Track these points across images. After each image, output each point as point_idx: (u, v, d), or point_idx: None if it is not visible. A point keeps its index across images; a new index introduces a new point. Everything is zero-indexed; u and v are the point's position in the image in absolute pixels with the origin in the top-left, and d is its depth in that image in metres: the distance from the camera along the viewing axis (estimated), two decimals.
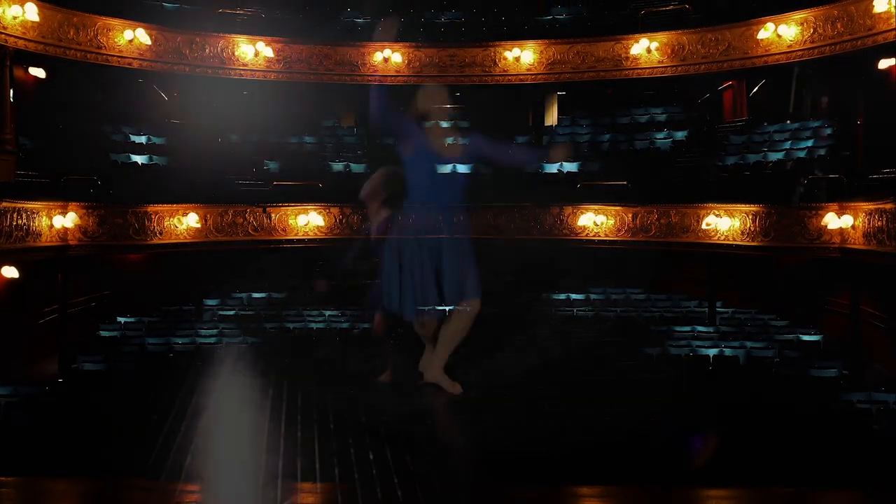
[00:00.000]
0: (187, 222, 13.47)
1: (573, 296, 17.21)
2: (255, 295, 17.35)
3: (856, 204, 11.39)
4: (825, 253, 12.00)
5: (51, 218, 11.80)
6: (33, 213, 11.46)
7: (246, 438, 7.00)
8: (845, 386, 11.91)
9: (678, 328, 14.82)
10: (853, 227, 11.37)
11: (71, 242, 12.32)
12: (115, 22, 14.30)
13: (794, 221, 12.18)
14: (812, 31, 13.65)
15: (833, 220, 11.62)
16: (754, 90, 17.72)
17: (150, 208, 13.13)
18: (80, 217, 12.30)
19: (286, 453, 6.63)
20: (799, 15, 13.82)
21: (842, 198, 11.87)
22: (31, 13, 12.84)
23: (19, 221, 11.05)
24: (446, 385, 8.56)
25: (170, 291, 16.25)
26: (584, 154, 17.15)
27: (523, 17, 17.77)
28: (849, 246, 11.56)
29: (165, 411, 7.93)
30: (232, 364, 10.16)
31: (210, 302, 16.55)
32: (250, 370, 9.42)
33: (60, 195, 12.34)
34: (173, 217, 13.37)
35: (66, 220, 11.99)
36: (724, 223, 12.95)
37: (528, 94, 17.39)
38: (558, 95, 18.62)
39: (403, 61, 16.41)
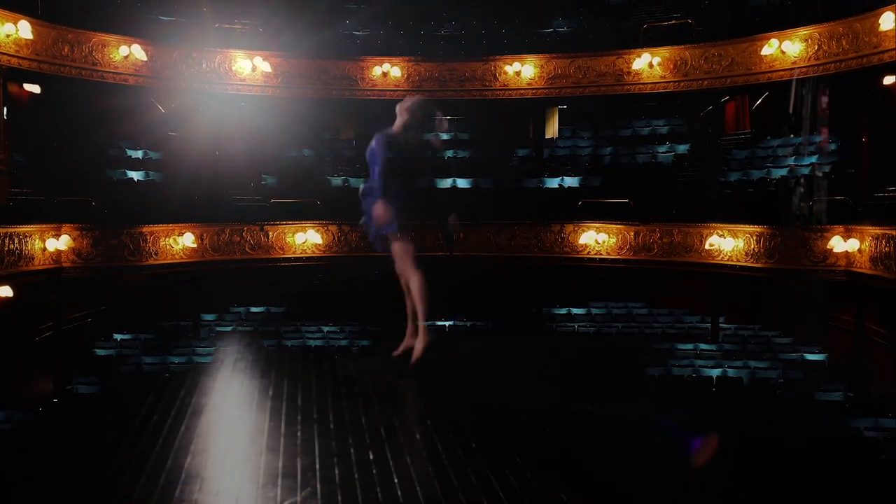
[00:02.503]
0: (183, 242, 13.29)
1: (574, 310, 17.04)
2: (254, 309, 17.20)
3: (862, 227, 11.21)
4: (831, 276, 11.81)
5: (44, 241, 11.62)
6: (26, 236, 11.29)
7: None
8: (851, 410, 11.74)
9: (681, 346, 14.66)
10: (859, 250, 11.18)
11: (65, 265, 12.14)
12: (110, 38, 14.09)
13: (799, 243, 11.99)
14: (817, 47, 13.45)
15: (839, 244, 11.42)
16: (757, 102, 17.55)
17: (146, 229, 12.95)
18: (74, 239, 12.11)
19: None
20: (803, 31, 13.61)
21: (848, 220, 11.69)
22: (25, 31, 12.65)
23: (11, 246, 10.87)
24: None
25: (167, 306, 16.08)
26: (586, 168, 17.00)
27: (524, 29, 17.59)
28: (855, 269, 11.38)
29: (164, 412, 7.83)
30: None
31: (208, 317, 16.39)
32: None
33: (54, 217, 12.14)
34: (169, 237, 13.19)
35: (60, 242, 11.80)
36: (727, 244, 12.77)
37: (528, 106, 17.19)
38: (559, 108, 18.48)
39: (402, 76, 16.21)
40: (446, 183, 16.53)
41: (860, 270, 11.24)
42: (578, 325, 16.38)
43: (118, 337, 15.43)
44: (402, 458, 6.34)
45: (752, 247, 12.54)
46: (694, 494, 6.19)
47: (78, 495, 6.39)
